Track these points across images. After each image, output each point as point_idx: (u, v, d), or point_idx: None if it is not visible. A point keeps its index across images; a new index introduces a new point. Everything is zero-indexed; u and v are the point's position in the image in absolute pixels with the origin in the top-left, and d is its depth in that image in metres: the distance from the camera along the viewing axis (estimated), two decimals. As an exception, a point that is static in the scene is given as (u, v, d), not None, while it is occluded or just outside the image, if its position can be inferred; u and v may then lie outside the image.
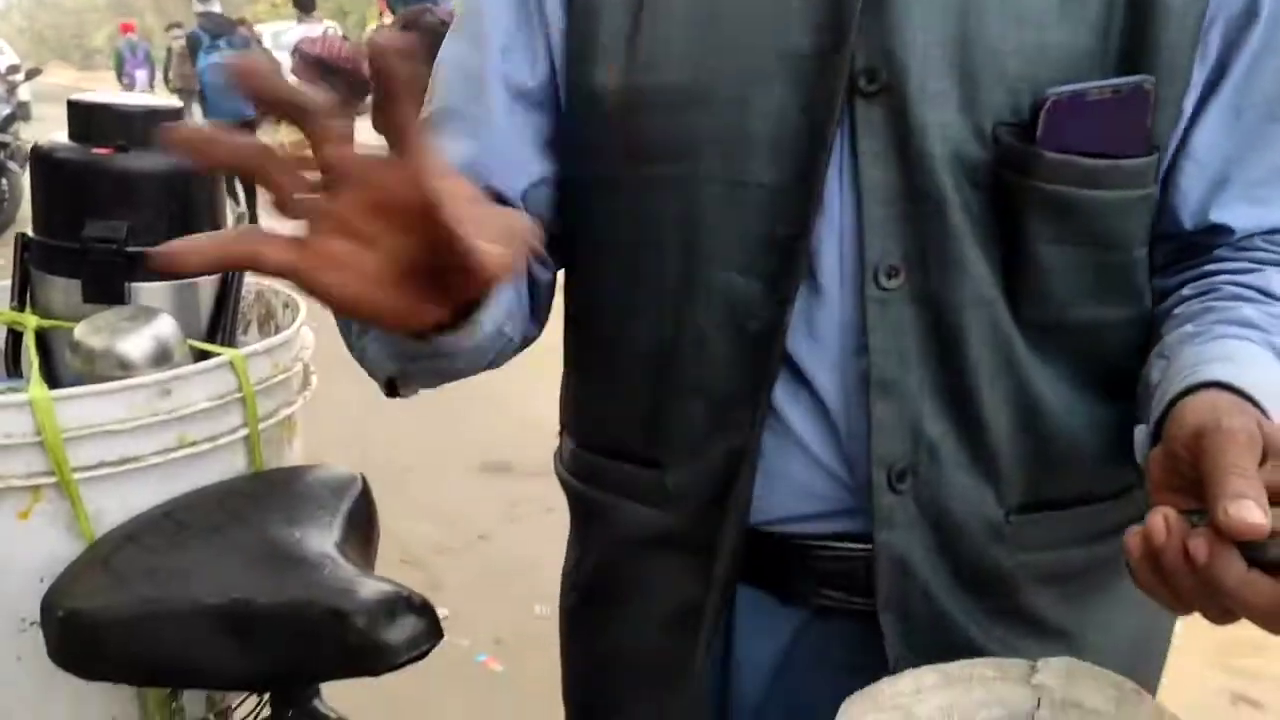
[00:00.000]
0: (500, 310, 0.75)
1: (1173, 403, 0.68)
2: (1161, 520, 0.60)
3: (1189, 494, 0.62)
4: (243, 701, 1.33)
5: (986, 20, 0.74)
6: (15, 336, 1.46)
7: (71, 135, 1.38)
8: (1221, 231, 0.81)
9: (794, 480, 0.82)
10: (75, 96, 1.40)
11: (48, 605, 1.07)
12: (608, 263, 0.86)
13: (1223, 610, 0.59)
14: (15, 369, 1.45)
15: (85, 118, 1.37)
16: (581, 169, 0.85)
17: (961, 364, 0.79)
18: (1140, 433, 0.75)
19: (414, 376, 0.80)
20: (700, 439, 0.84)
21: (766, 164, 0.77)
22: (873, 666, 0.78)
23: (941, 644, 0.81)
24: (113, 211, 1.30)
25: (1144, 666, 0.92)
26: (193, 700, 1.26)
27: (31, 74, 10.84)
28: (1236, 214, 0.81)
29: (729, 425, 0.82)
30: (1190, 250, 0.84)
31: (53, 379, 1.32)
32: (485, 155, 0.82)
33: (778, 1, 0.77)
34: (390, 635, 0.93)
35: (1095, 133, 0.75)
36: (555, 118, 0.85)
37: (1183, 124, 0.78)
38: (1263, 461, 0.59)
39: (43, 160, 1.37)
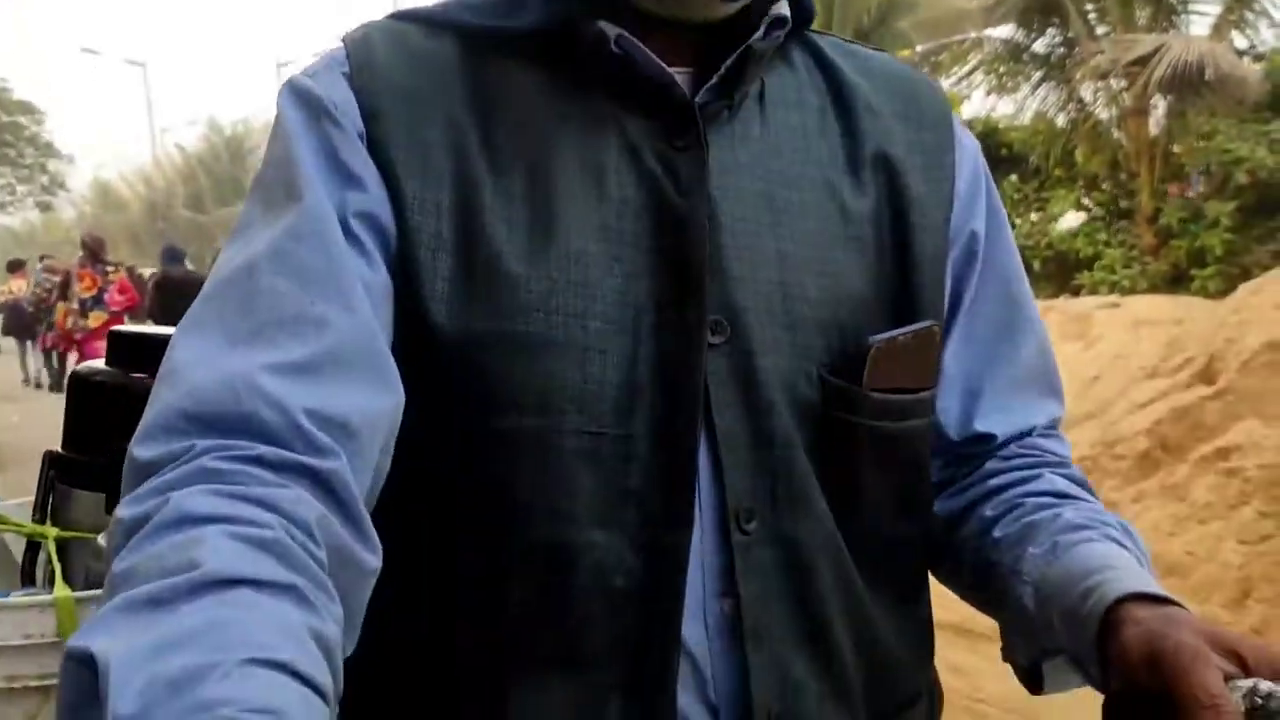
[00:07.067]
0: None
1: (1101, 628, 0.73)
2: None
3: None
4: None
5: (799, 272, 0.81)
6: (32, 550, 1.52)
7: (109, 362, 1.50)
8: (985, 439, 0.91)
9: None
10: (116, 328, 1.53)
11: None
12: (444, 525, 0.79)
13: None
14: (30, 581, 1.51)
15: (124, 346, 1.50)
16: (410, 420, 0.76)
17: (816, 603, 0.81)
18: (1060, 661, 0.80)
19: None
20: (571, 712, 0.78)
21: (622, 414, 0.77)
22: None
23: None
24: (143, 430, 1.40)
25: None
26: None
27: None
28: (994, 422, 0.91)
29: (605, 696, 0.78)
30: (959, 464, 0.93)
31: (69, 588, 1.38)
32: (345, 352, 0.71)
33: (619, 248, 0.78)
34: None
35: (903, 372, 0.83)
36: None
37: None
38: (1234, 657, 0.66)
39: (81, 383, 1.48)
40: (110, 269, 11.30)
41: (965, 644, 4.20)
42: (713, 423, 0.78)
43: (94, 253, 11.12)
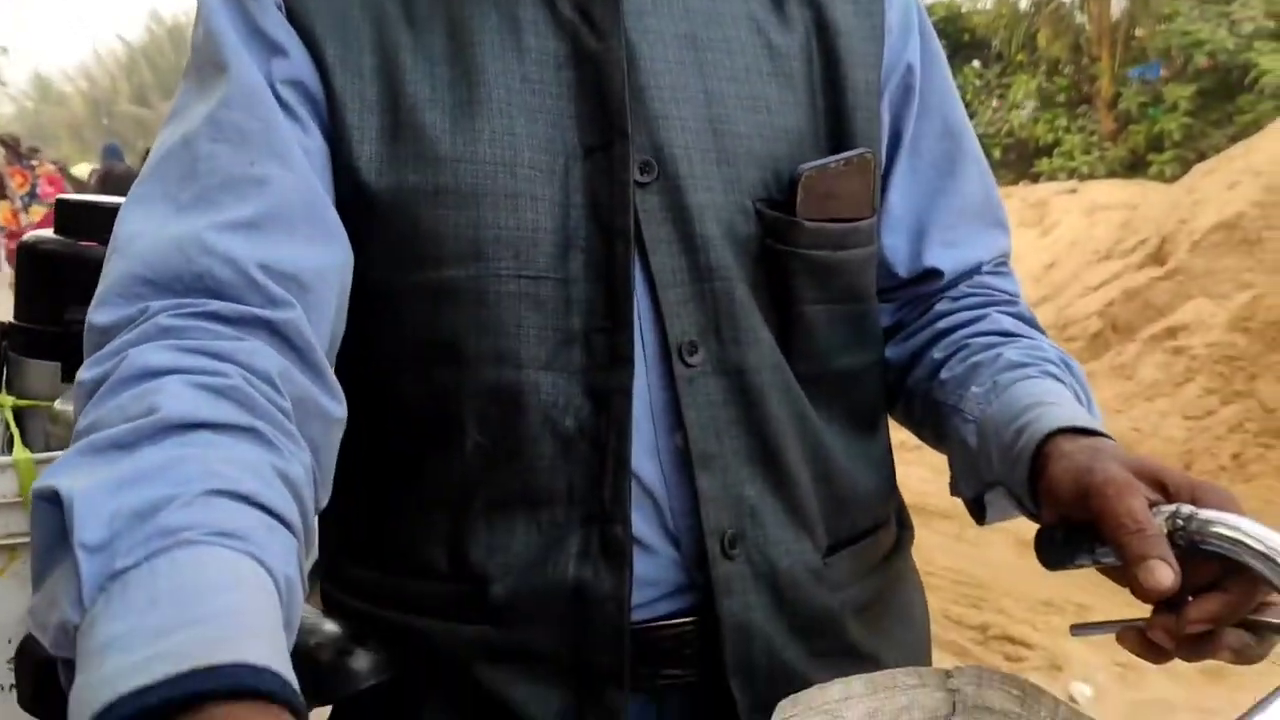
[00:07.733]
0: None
1: (1032, 464, 0.76)
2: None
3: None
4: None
5: (729, 108, 0.82)
6: (-11, 419, 1.53)
7: (58, 230, 1.48)
8: (933, 275, 0.93)
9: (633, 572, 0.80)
10: (63, 196, 1.52)
11: (23, 650, 1.12)
12: (398, 378, 0.81)
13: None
14: (-12, 449, 1.52)
15: (72, 214, 1.48)
16: (353, 280, 0.78)
17: (766, 427, 0.82)
18: (998, 494, 0.84)
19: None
20: (531, 548, 0.80)
21: (557, 258, 0.78)
22: None
23: (783, 694, 0.81)
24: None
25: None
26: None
27: None
28: (941, 257, 0.93)
29: (562, 530, 0.80)
30: (910, 306, 0.96)
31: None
32: (285, 210, 0.73)
33: (542, 98, 0.79)
34: (356, 663, 1.00)
35: (838, 200, 0.84)
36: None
37: (879, 187, 0.89)
38: (1157, 485, 0.70)
39: (29, 252, 1.46)
40: (35, 162, 11.29)
41: (919, 520, 4.28)
42: (648, 261, 0.79)
43: (14, 150, 11.10)
